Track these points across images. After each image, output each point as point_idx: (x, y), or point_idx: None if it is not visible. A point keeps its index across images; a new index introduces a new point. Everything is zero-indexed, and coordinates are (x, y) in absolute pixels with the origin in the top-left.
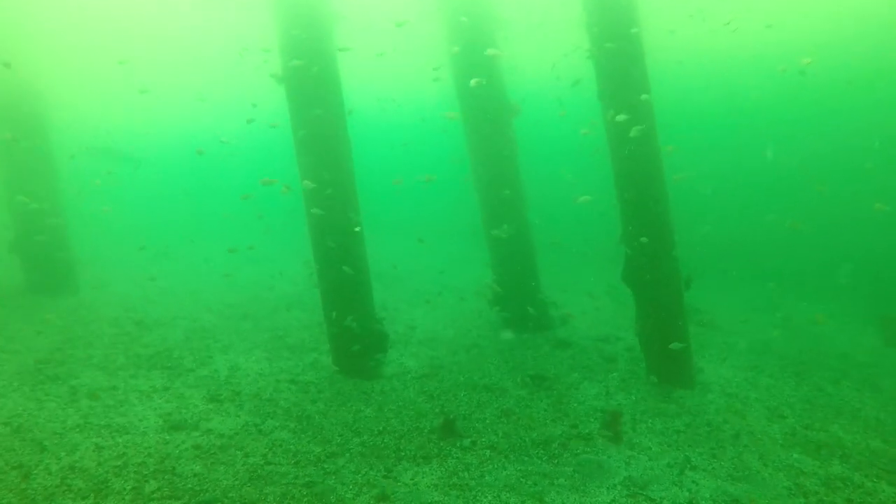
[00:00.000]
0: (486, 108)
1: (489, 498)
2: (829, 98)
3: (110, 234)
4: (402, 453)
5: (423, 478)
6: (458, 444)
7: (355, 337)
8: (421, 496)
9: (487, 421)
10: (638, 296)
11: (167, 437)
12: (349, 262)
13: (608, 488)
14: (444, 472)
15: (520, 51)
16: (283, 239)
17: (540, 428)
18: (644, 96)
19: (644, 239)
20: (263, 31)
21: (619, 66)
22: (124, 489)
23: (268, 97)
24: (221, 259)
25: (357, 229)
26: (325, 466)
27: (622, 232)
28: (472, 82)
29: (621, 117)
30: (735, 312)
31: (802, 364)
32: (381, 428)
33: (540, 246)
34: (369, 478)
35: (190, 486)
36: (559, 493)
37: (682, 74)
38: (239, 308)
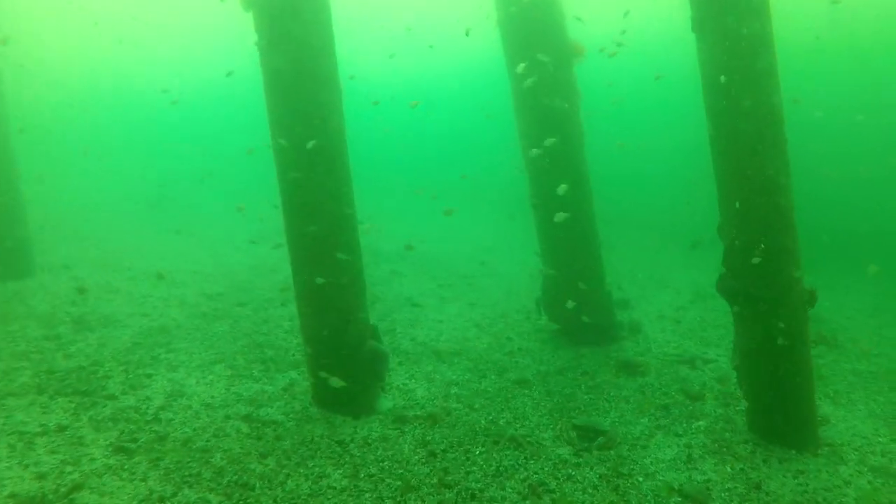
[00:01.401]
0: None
1: None
2: None
3: (110, 203)
4: None
5: None
6: None
7: (341, 359)
8: None
9: None
10: (740, 315)
11: None
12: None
13: None
14: None
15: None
16: None
17: None
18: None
19: (761, 246)
20: None
21: None
22: None
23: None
24: (229, 235)
25: (349, 211)
26: None
27: (721, 218)
28: None
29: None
30: (865, 324)
31: None
32: None
33: (608, 224)
34: None
35: None
36: None
37: None
38: (221, 301)
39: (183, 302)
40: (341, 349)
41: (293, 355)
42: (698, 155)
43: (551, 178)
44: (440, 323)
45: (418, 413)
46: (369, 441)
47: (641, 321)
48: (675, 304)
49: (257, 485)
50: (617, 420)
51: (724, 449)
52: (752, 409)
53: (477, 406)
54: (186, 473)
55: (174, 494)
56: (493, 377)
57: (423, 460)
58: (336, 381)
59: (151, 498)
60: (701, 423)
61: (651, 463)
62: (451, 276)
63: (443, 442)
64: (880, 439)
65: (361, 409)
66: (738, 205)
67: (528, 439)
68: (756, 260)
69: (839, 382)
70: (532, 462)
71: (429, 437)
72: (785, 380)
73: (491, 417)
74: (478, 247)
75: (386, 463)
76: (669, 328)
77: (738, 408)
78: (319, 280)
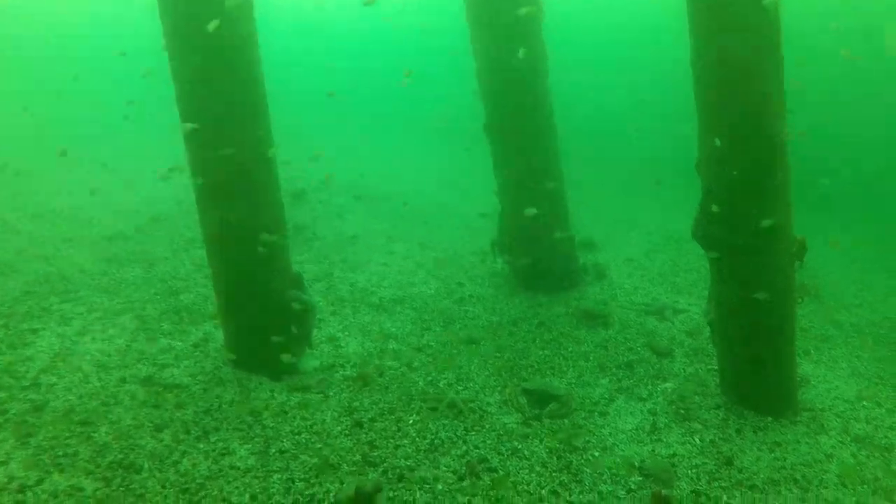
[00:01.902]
0: None
1: None
2: None
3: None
4: None
5: None
6: None
7: (258, 312)
8: None
9: (440, 487)
10: (718, 266)
11: None
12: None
13: None
14: None
15: None
16: None
17: None
18: None
19: (734, 172)
20: None
21: None
22: None
23: None
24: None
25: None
26: None
27: (699, 155)
28: None
29: None
30: (845, 274)
31: None
32: (250, 495)
33: (574, 159)
34: None
35: None
36: None
37: None
38: (136, 241)
39: (92, 243)
40: (257, 300)
41: (213, 304)
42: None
43: (508, 96)
44: (385, 266)
45: (348, 373)
46: (286, 408)
47: (607, 265)
48: (644, 247)
49: (145, 466)
50: (574, 381)
51: (693, 416)
52: (726, 370)
53: (416, 364)
54: (60, 453)
55: (39, 482)
56: (437, 329)
57: (347, 432)
58: (252, 339)
59: (9, 487)
60: (668, 384)
61: (610, 434)
62: (402, 214)
63: (372, 409)
64: (864, 403)
65: (284, 368)
66: (718, 141)
67: (471, 405)
68: (736, 204)
69: (818, 337)
70: (473, 434)
71: (356, 403)
72: (764, 339)
73: (430, 378)
74: (436, 182)
75: (303, 435)
76: (637, 273)
77: (709, 366)
78: (230, 218)
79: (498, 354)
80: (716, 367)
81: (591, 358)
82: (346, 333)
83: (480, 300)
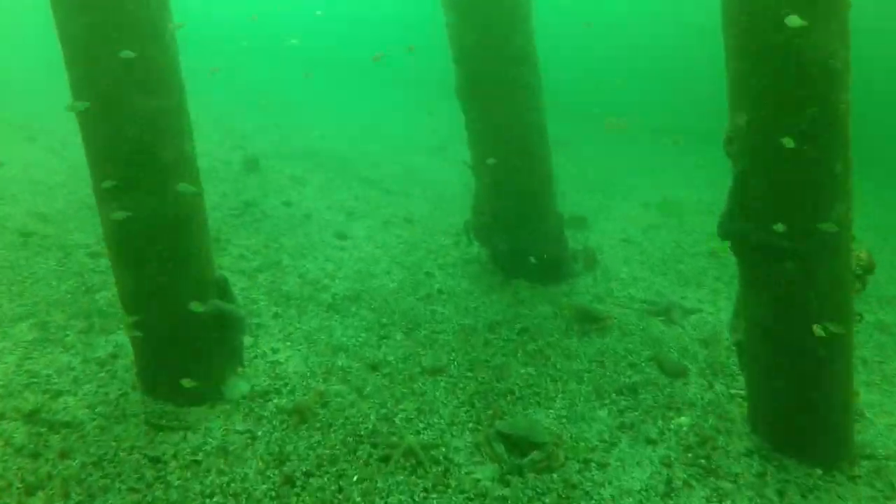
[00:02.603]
0: None
1: None
2: None
3: None
4: None
5: None
6: None
7: (166, 327)
8: None
9: None
10: (753, 274)
11: None
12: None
13: None
14: None
15: None
16: None
17: None
18: None
19: (782, 151)
20: None
21: None
22: None
23: None
24: None
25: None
26: None
27: (731, 127)
28: None
29: None
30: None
31: None
32: None
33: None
34: None
35: None
36: None
37: None
38: (56, 223)
39: (2, 226)
40: (165, 313)
41: None
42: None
43: (484, 53)
44: (341, 251)
45: (283, 402)
46: (200, 456)
47: (601, 247)
48: (642, 222)
49: None
50: (565, 414)
51: (719, 468)
52: (759, 406)
53: (369, 390)
54: None
55: None
56: (398, 336)
57: (274, 492)
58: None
59: None
60: (683, 419)
61: (612, 497)
62: (365, 184)
63: (309, 456)
64: None
65: (202, 397)
66: (745, 119)
67: (434, 453)
68: (783, 194)
69: (865, 346)
70: (435, 498)
71: (290, 447)
72: (812, 373)
73: (385, 410)
74: (407, 147)
75: (216, 499)
76: (636, 258)
77: (732, 388)
78: (121, 216)
79: (470, 374)
80: (741, 392)
81: (585, 379)
82: (288, 344)
83: (452, 297)
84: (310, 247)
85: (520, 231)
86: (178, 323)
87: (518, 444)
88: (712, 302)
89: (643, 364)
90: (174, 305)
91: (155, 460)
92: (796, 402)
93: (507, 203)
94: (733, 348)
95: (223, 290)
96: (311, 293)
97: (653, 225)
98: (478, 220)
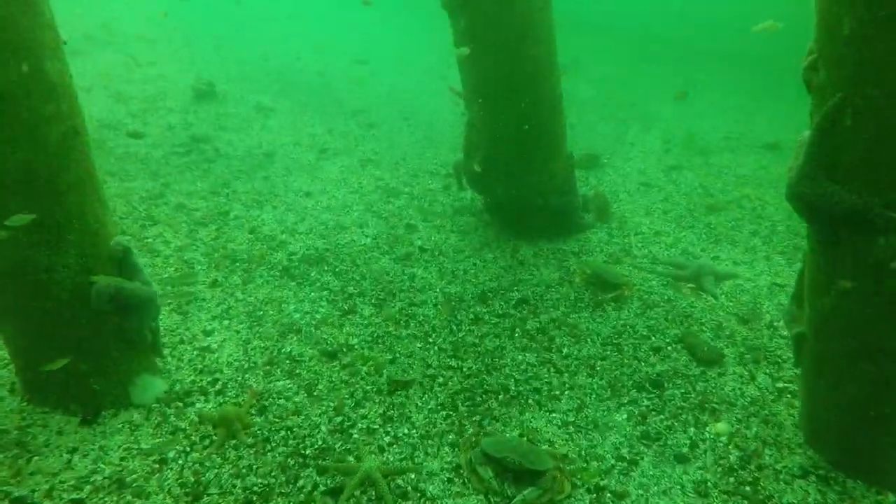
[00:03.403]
0: None
1: None
2: None
3: None
4: None
5: None
6: None
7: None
8: None
9: None
10: (831, 253)
11: None
12: None
13: None
14: None
15: None
16: None
17: None
18: None
19: None
20: None
21: None
22: None
23: None
24: None
25: None
26: None
27: (819, 44)
28: None
29: None
30: None
31: None
32: None
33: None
34: None
35: None
36: None
37: None
38: None
39: None
40: (48, 296)
41: None
42: None
43: None
44: (307, 196)
45: (208, 408)
46: (83, 495)
47: (616, 193)
48: (663, 161)
49: None
50: (572, 417)
51: (769, 500)
52: (818, 414)
53: (321, 388)
54: None
55: None
56: (367, 312)
57: None
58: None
59: None
60: (721, 426)
61: None
62: (342, 116)
63: (233, 490)
64: None
65: (102, 401)
66: (846, 29)
67: (401, 481)
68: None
69: None
70: None
71: (209, 476)
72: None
73: (341, 418)
74: (398, 69)
75: None
76: (658, 206)
77: (778, 382)
78: None
79: (454, 363)
80: (790, 387)
81: (597, 369)
82: (226, 324)
83: (436, 257)
84: (268, 193)
85: (521, 174)
86: (57, 308)
87: (510, 469)
88: (749, 264)
89: (669, 348)
90: (49, 286)
91: (18, 499)
92: (872, 413)
93: (505, 139)
94: (782, 334)
95: (126, 260)
96: (263, 253)
97: (676, 165)
98: (470, 161)
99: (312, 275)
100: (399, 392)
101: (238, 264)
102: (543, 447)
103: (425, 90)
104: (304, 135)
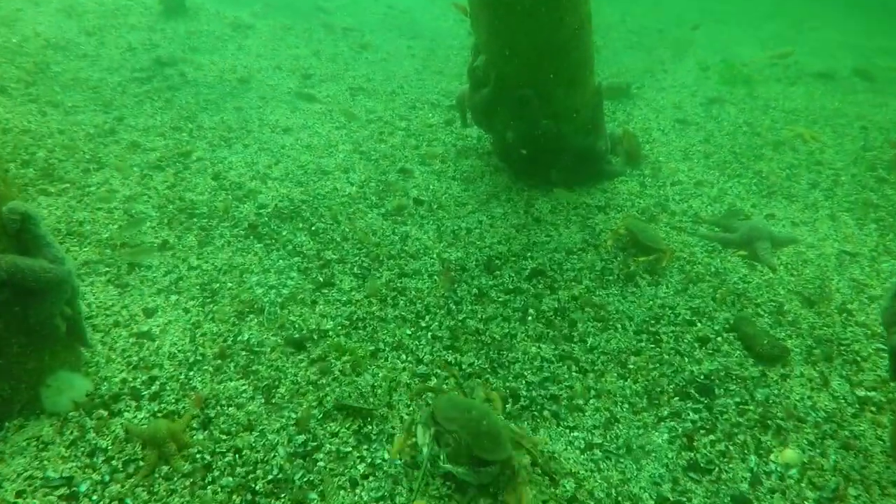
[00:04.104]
0: None
1: None
2: None
3: None
4: None
5: None
6: None
7: None
8: None
9: None
10: None
11: None
12: None
13: None
14: None
15: None
16: None
17: None
18: None
19: None
20: None
21: None
22: None
23: None
24: None
25: None
26: None
27: None
28: None
29: None
30: None
31: None
32: None
33: None
34: None
35: None
36: None
37: None
38: None
39: None
40: None
41: None
42: None
43: None
44: (285, 133)
45: (139, 419)
46: None
47: (649, 131)
48: (701, 92)
49: None
50: (599, 433)
51: None
52: None
53: (283, 391)
54: None
55: None
56: (346, 284)
57: None
58: None
59: None
60: (790, 453)
61: None
62: (331, 37)
63: None
64: None
65: (6, 410)
66: None
67: None
68: None
69: None
70: None
71: None
72: None
73: (304, 436)
74: None
75: None
76: (697, 148)
77: (859, 388)
78: None
79: (451, 358)
80: (875, 396)
81: (630, 368)
82: (173, 299)
83: (434, 211)
84: (240, 128)
85: (537, 108)
86: None
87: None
88: (810, 224)
89: (720, 338)
90: None
91: None
92: None
93: (519, 64)
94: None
95: (26, 234)
96: (227, 205)
97: (715, 97)
98: (475, 95)
99: (284, 234)
100: (398, 332)
101: (195, 220)
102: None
103: (428, 9)
104: (285, 57)
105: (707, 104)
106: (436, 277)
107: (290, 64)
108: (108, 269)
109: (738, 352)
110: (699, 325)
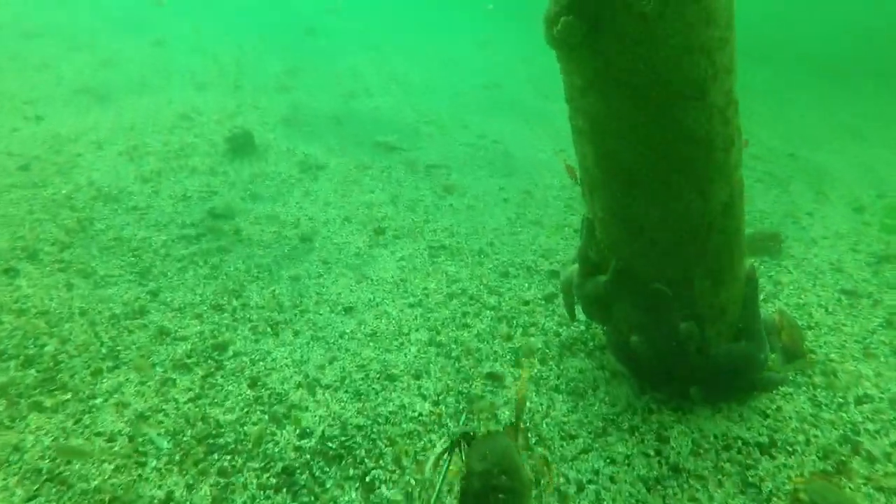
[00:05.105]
0: None
1: None
2: None
3: None
4: None
5: None
6: None
7: None
8: None
9: None
10: None
11: None
12: None
13: None
14: None
15: None
16: None
17: None
18: None
19: None
20: None
21: None
22: None
23: None
24: None
25: None
26: None
27: None
28: None
29: None
30: None
31: None
32: None
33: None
34: None
35: None
36: None
37: None
38: None
39: None
40: None
41: None
42: None
43: None
44: (346, 313)
45: None
46: None
47: (807, 307)
48: (863, 245)
49: None
50: None
51: None
52: None
53: None
54: None
55: None
56: None
57: None
58: None
59: None
60: None
61: None
62: (412, 176)
63: None
64: None
65: None
66: None
67: None
68: None
69: None
70: None
71: None
72: None
73: None
74: (491, 108)
75: None
76: (881, 339)
77: None
78: None
79: None
80: None
81: None
82: None
83: (532, 447)
84: (293, 307)
85: (675, 309)
86: None
87: None
88: None
89: None
90: None
91: None
92: None
93: (649, 250)
94: None
95: None
96: (261, 431)
97: (884, 254)
98: (590, 280)
99: (328, 487)
100: None
101: (216, 456)
102: None
103: (522, 138)
104: (357, 205)
105: (875, 264)
106: None
107: (362, 214)
108: None
109: None
110: None
